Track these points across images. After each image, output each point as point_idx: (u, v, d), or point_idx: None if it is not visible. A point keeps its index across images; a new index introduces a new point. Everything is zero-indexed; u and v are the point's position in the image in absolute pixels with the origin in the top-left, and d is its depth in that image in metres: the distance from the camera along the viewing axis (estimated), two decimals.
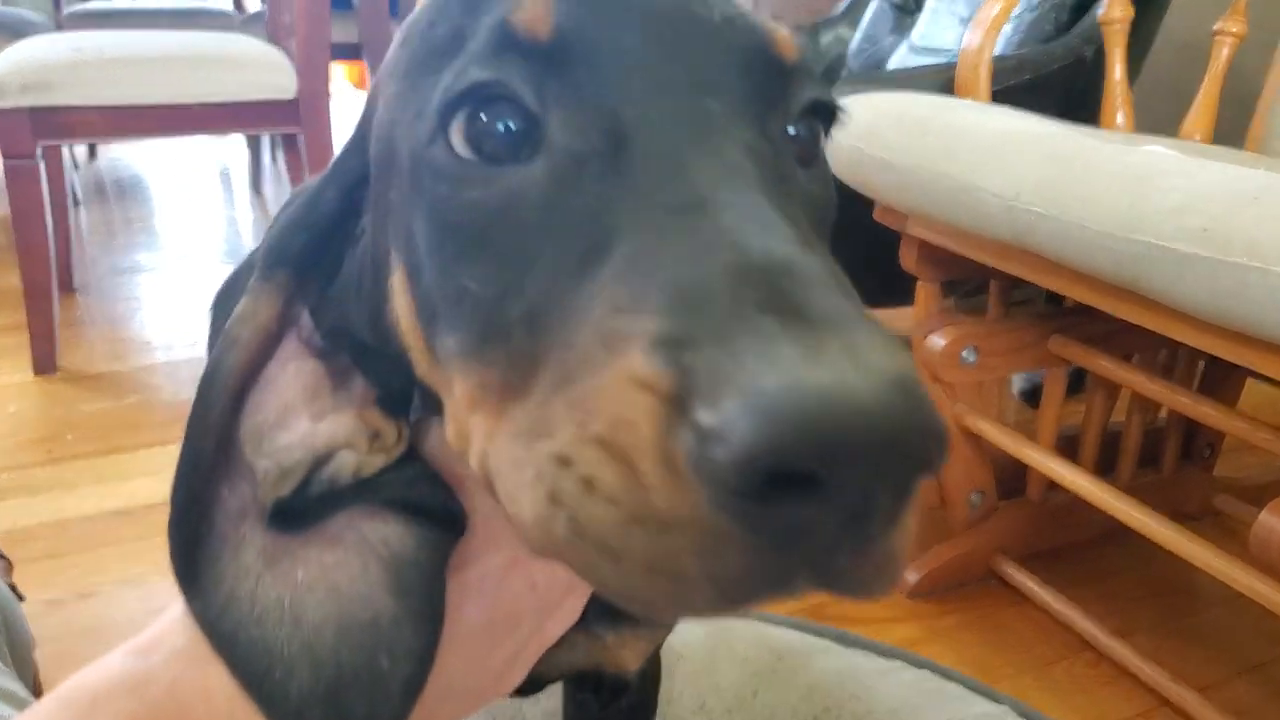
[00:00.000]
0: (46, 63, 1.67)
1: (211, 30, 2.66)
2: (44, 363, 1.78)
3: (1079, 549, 1.29)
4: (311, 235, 0.37)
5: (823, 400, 0.20)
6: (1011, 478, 1.28)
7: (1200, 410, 1.07)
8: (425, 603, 0.33)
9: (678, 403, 0.22)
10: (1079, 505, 1.12)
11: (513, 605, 0.36)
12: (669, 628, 0.58)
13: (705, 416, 0.21)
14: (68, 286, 2.19)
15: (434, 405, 0.37)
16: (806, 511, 0.22)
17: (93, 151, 3.50)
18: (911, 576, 1.22)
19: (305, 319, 0.37)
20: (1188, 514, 1.35)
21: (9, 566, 1.02)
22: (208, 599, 0.33)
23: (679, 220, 0.26)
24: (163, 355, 1.89)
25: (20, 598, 0.84)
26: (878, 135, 0.99)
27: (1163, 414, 1.35)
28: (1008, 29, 1.50)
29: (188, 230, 2.86)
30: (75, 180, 3.03)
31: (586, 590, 0.41)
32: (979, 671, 1.05)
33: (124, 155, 3.64)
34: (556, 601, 0.38)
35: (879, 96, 1.05)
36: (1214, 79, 1.27)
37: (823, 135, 0.35)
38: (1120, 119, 1.29)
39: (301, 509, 0.34)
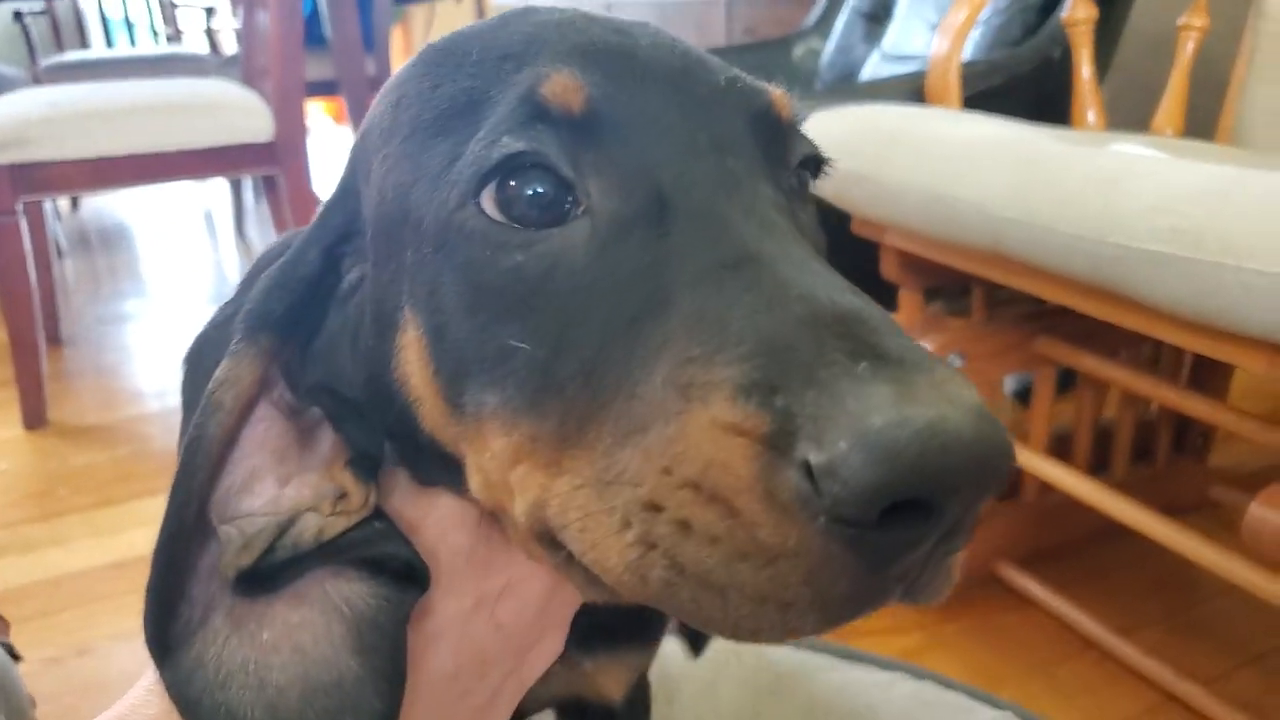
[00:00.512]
0: (23, 119, 1.67)
1: (187, 75, 2.67)
2: (34, 417, 1.77)
3: (1078, 547, 1.29)
4: (295, 297, 0.37)
5: (931, 434, 0.23)
6: (1009, 479, 1.27)
7: (1188, 403, 1.07)
8: (387, 661, 0.34)
9: (776, 443, 0.24)
10: (1075, 504, 1.12)
11: (478, 650, 0.37)
12: (649, 655, 0.57)
13: (815, 455, 0.23)
14: (55, 339, 2.19)
15: (413, 461, 0.38)
16: (914, 534, 0.24)
17: (75, 202, 3.50)
18: None
19: (279, 379, 0.37)
20: (1184, 506, 1.35)
21: (6, 626, 1.01)
22: (177, 665, 0.33)
23: (736, 275, 0.28)
24: (155, 404, 1.88)
25: (17, 658, 0.84)
26: (849, 148, 1.00)
27: (1154, 407, 1.35)
28: (976, 34, 1.51)
29: (174, 276, 2.86)
30: (58, 231, 3.03)
31: (564, 626, 0.41)
32: (985, 677, 1.04)
33: (107, 204, 3.64)
34: (527, 643, 0.38)
35: (850, 109, 1.06)
36: (1181, 73, 1.28)
37: (810, 182, 0.38)
38: (1091, 117, 1.30)
39: (267, 573, 0.34)
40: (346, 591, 0.35)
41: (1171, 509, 1.00)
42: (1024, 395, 1.72)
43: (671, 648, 0.99)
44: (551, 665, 0.49)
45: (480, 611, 0.37)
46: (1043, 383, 1.21)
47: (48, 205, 2.46)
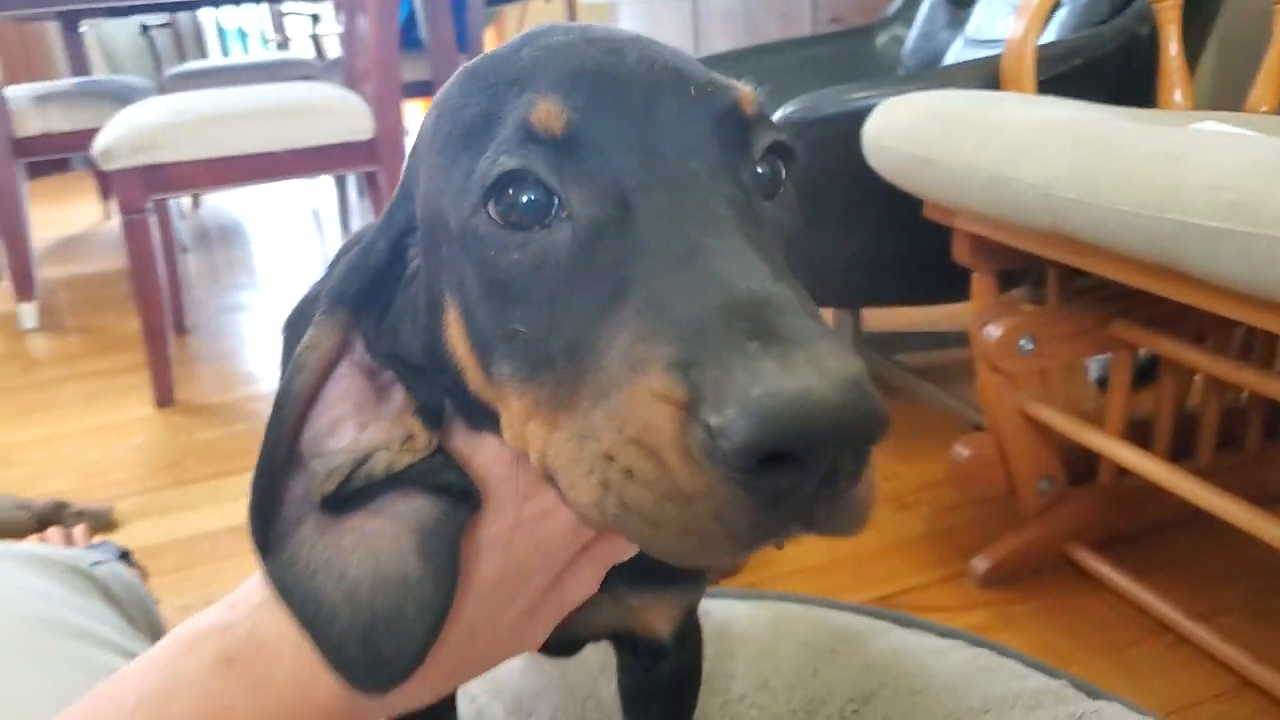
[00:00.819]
0: (151, 125, 1.82)
1: (296, 79, 2.83)
2: (164, 397, 1.93)
3: (1154, 533, 1.27)
4: (366, 279, 0.44)
5: (797, 401, 0.28)
6: (1085, 464, 1.27)
7: (1271, 387, 1.05)
8: (444, 563, 0.41)
9: (690, 409, 0.30)
10: (1155, 489, 1.11)
11: (520, 562, 0.43)
12: (692, 596, 0.63)
13: (712, 419, 0.29)
14: (180, 327, 2.36)
15: (466, 412, 0.45)
16: (790, 479, 0.29)
17: (196, 201, 3.73)
18: (981, 565, 1.23)
19: (359, 346, 0.45)
20: (1276, 495, 1.32)
21: (145, 575, 1.14)
22: (275, 561, 0.41)
23: (679, 267, 0.34)
24: (266, 386, 2.02)
25: (129, 559, 0.96)
26: (917, 134, 1.02)
27: (1245, 394, 1.32)
28: (1062, 13, 1.49)
29: (284, 268, 3.03)
30: (182, 229, 3.25)
31: (600, 557, 0.46)
32: (1051, 655, 1.05)
33: (224, 203, 3.87)
34: (562, 560, 0.44)
35: (917, 96, 1.08)
36: (1277, 49, 1.25)
37: (783, 169, 0.42)
38: (1178, 97, 1.28)
39: (346, 497, 0.42)
40: (413, 508, 0.42)
41: (1262, 497, 0.99)
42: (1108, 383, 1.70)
43: (733, 609, 1.04)
44: (601, 598, 0.55)
45: (521, 529, 0.43)
46: (1119, 367, 1.20)
47: (172, 204, 2.65)
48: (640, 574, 0.55)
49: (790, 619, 0.97)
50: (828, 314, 1.93)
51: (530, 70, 0.40)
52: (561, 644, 0.65)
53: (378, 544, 0.41)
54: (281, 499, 0.42)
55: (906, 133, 1.03)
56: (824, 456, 0.29)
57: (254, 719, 0.38)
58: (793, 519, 0.31)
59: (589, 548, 0.46)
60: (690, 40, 3.57)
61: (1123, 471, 1.25)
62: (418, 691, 0.43)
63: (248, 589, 0.42)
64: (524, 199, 0.37)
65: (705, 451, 0.29)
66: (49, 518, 1.47)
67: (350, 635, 0.39)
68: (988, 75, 1.21)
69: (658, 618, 0.60)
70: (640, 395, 0.31)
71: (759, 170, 0.40)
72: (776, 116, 1.34)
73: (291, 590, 0.40)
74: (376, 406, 0.44)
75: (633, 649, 0.66)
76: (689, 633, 0.67)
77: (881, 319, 2.00)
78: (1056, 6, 1.41)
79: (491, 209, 0.38)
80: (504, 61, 0.41)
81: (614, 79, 0.39)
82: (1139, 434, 1.24)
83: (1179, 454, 1.26)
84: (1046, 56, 1.21)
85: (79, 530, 1.37)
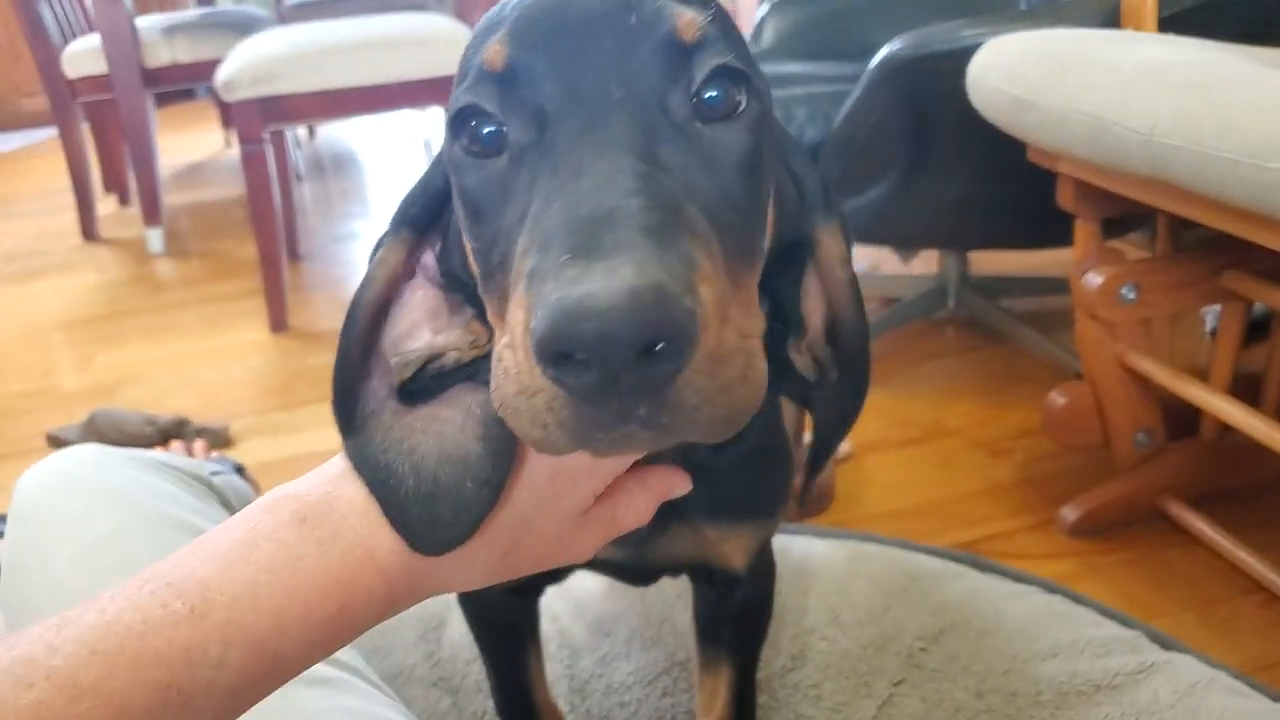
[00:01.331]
0: (270, 57, 1.89)
1: (408, 9, 2.87)
2: (278, 322, 2.04)
3: (1255, 492, 1.24)
4: (426, 203, 0.49)
5: (572, 306, 0.31)
6: (1186, 418, 1.24)
7: None
8: (503, 448, 0.45)
9: (528, 315, 0.34)
10: (1257, 446, 1.08)
11: (569, 464, 0.46)
12: (766, 529, 0.66)
13: (532, 322, 0.33)
14: (294, 254, 2.47)
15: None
16: (589, 376, 0.32)
17: (312, 131, 3.85)
18: (1070, 514, 1.22)
19: (430, 261, 0.50)
20: None
21: (256, 488, 1.23)
22: (355, 438, 0.46)
23: (562, 185, 0.37)
24: None
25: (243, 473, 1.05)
26: (1021, 76, 0.99)
27: None
28: None
29: (396, 198, 3.12)
30: (298, 158, 3.37)
31: (652, 485, 0.50)
32: (1136, 608, 1.05)
33: (339, 133, 3.98)
34: (608, 470, 0.47)
35: (1023, 35, 1.05)
36: None
37: (740, 90, 0.42)
38: None
39: (420, 389, 0.47)
40: (479, 399, 0.46)
41: None
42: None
43: (811, 546, 1.06)
44: (679, 529, 0.58)
45: None
46: (1230, 319, 1.16)
47: (288, 134, 2.74)
48: (717, 507, 0.59)
49: (866, 558, 0.99)
50: (931, 256, 1.90)
51: (503, 14, 0.43)
52: (641, 572, 0.69)
53: (445, 428, 0.46)
54: (363, 392, 0.48)
55: (1010, 73, 1.00)
56: (608, 356, 0.31)
57: (320, 570, 0.42)
58: (619, 417, 0.33)
59: (641, 474, 0.49)
60: None
61: (1226, 427, 1.21)
62: (469, 568, 0.46)
63: (328, 465, 0.47)
64: (482, 130, 0.42)
65: (531, 351, 0.33)
66: (171, 433, 1.59)
67: (413, 500, 0.44)
68: (1108, 11, 1.15)
69: (733, 549, 0.63)
70: (513, 304, 0.36)
71: (708, 93, 0.42)
72: (879, 57, 1.31)
73: (365, 462, 0.45)
74: (450, 316, 0.49)
75: (708, 579, 0.70)
76: (762, 566, 0.70)
77: (990, 262, 1.95)
78: None
79: (463, 140, 0.42)
80: (498, 7, 0.45)
81: (562, 15, 0.42)
82: (1247, 390, 1.20)
83: None
84: None
85: (199, 445, 1.48)
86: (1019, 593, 0.94)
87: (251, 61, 1.89)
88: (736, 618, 0.73)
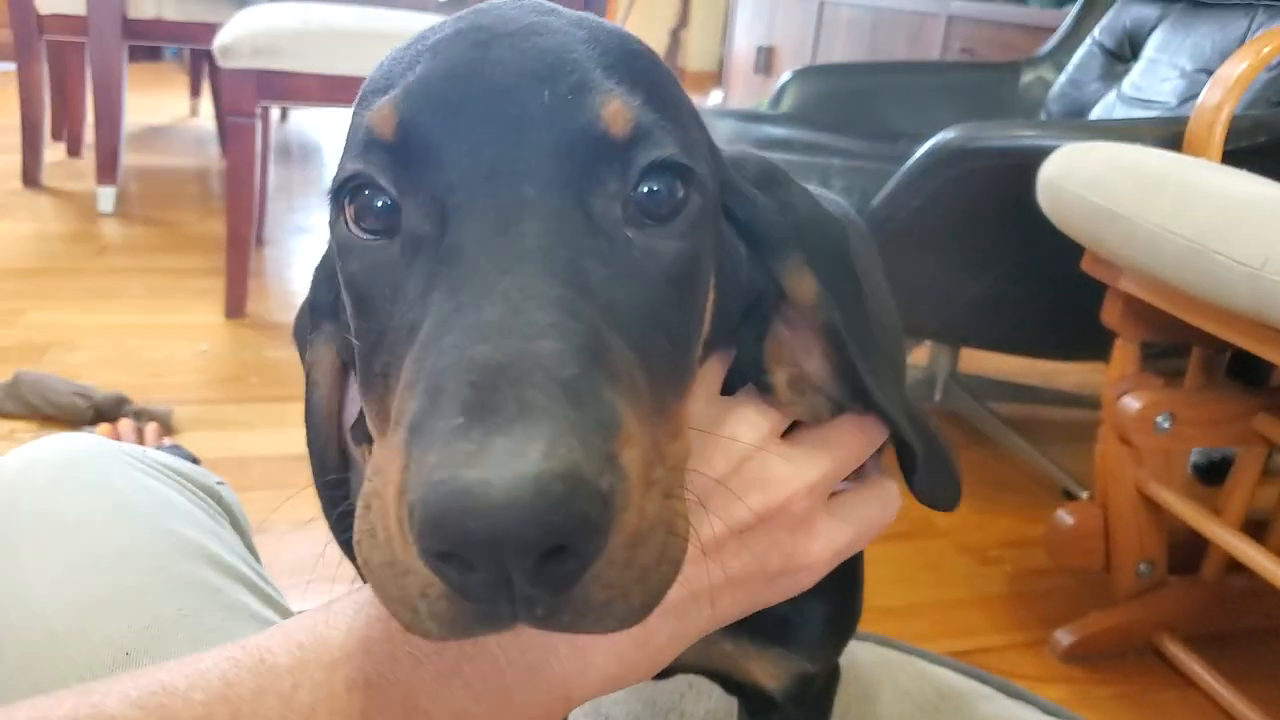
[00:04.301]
0: (276, 30, 1.78)
1: (410, 10, 2.78)
2: (235, 307, 1.90)
3: (1255, 638, 1.22)
4: (333, 286, 0.42)
5: (460, 496, 0.25)
6: (1185, 553, 1.22)
7: None
8: None
9: (402, 479, 0.27)
10: (1260, 592, 1.06)
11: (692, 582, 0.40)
12: (811, 659, 0.56)
13: (409, 496, 0.26)
14: (259, 239, 2.33)
15: None
16: (471, 579, 0.26)
17: (284, 115, 3.70)
18: (1064, 638, 1.18)
19: None
20: None
21: None
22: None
23: (460, 308, 0.30)
24: None
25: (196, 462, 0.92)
26: (1105, 185, 0.96)
27: None
28: None
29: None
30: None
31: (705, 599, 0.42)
32: None
33: (308, 121, 3.84)
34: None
35: (1108, 146, 1.02)
36: None
37: (681, 188, 0.36)
38: None
39: None
40: None
41: None
42: (1205, 471, 1.63)
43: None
44: None
45: None
46: (1249, 461, 1.15)
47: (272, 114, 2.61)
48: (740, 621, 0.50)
49: (892, 666, 0.93)
50: (922, 350, 1.88)
51: (402, 68, 0.36)
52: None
53: None
54: (349, 489, 0.43)
55: (1094, 182, 0.98)
56: (500, 562, 0.26)
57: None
58: (507, 616, 0.28)
59: None
60: (809, 44, 3.51)
61: (1228, 569, 1.20)
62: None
63: (348, 598, 0.40)
64: (371, 205, 0.35)
65: (406, 527, 0.27)
66: (108, 411, 1.45)
67: None
68: (1171, 136, 1.15)
69: (757, 670, 0.55)
70: (389, 449, 0.29)
71: (642, 193, 0.35)
72: (932, 143, 1.28)
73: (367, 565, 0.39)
74: None
75: (739, 690, 0.61)
76: (810, 696, 0.60)
77: (978, 363, 1.94)
78: None
79: (348, 213, 0.36)
80: (399, 51, 0.38)
81: (467, 81, 0.35)
82: (1247, 532, 1.18)
83: None
84: (1234, 129, 1.15)
85: (151, 429, 1.34)
86: None
87: (255, 31, 1.78)
88: None
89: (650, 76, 0.37)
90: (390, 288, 0.34)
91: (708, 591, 0.40)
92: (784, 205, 0.43)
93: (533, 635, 0.37)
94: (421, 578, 0.28)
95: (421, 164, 0.34)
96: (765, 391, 0.44)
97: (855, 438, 0.45)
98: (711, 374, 0.44)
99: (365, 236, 0.36)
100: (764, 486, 0.41)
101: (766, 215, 0.42)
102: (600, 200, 0.34)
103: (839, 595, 0.55)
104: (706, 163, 0.39)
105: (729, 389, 0.45)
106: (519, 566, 0.26)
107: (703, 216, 0.37)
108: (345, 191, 0.36)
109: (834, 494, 0.45)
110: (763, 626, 0.51)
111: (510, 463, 0.25)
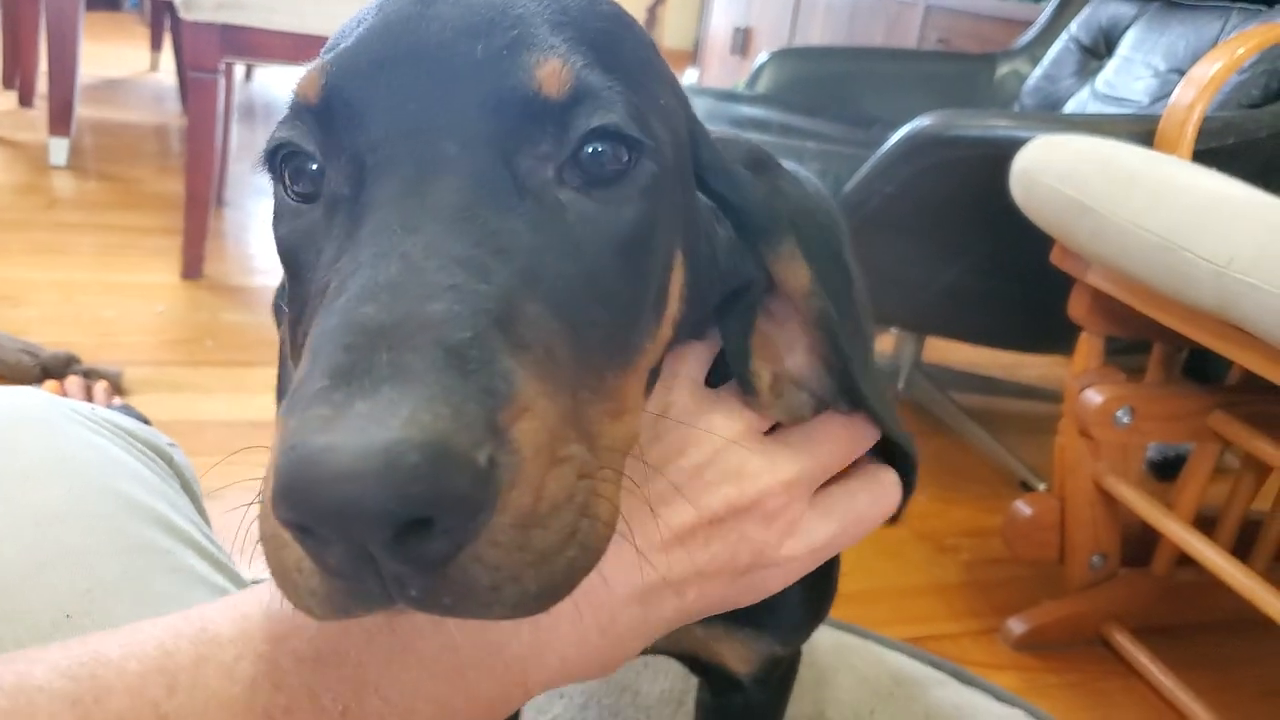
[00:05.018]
0: None
1: None
2: (192, 268, 1.85)
3: (1200, 632, 1.24)
4: None
5: (305, 467, 0.23)
6: (1137, 546, 1.24)
7: None
8: None
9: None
10: (1207, 586, 1.08)
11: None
12: (779, 642, 0.56)
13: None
14: (219, 199, 2.28)
15: None
16: (328, 553, 0.25)
17: (249, 73, 3.62)
18: (1016, 627, 1.19)
19: None
20: None
21: None
22: None
23: (358, 270, 0.29)
24: None
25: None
26: (1079, 179, 0.97)
27: None
28: None
29: None
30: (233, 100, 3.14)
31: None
32: None
33: (274, 80, 3.75)
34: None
35: (1081, 140, 1.02)
36: None
37: (627, 154, 0.34)
38: None
39: None
40: None
41: None
42: (1159, 467, 1.66)
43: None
44: None
45: None
46: (1202, 458, 1.16)
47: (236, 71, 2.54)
48: None
49: (849, 651, 0.93)
50: (888, 339, 1.88)
51: (358, 21, 0.36)
52: None
53: None
54: None
55: (1068, 174, 0.98)
56: (349, 535, 0.24)
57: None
58: (379, 595, 0.26)
59: None
60: (786, 26, 3.49)
61: (1178, 563, 1.22)
62: None
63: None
64: (301, 170, 0.35)
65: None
66: (55, 370, 1.40)
67: None
68: (1144, 134, 1.15)
69: (728, 652, 0.54)
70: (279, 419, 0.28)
71: (590, 153, 0.33)
72: (907, 130, 1.28)
73: None
74: None
75: (703, 671, 0.60)
76: (774, 678, 0.60)
77: (941, 353, 1.95)
78: None
79: (285, 179, 0.36)
80: (362, 8, 0.37)
81: (398, 41, 0.34)
82: (1198, 528, 1.20)
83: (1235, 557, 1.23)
84: (1205, 130, 1.16)
85: (100, 388, 1.31)
86: (1005, 715, 0.90)
87: None
88: None
89: (611, 37, 0.35)
90: (313, 252, 0.34)
91: (676, 582, 0.39)
92: (775, 190, 0.41)
93: None
94: (295, 552, 0.26)
95: (344, 125, 0.33)
96: (748, 390, 0.43)
97: (841, 437, 0.44)
98: (695, 362, 0.43)
99: (294, 202, 0.35)
100: (739, 479, 0.41)
101: (757, 198, 0.41)
102: (529, 161, 0.33)
103: (814, 577, 0.55)
104: (668, 131, 0.37)
105: (715, 383, 0.44)
106: (374, 541, 0.24)
107: (655, 186, 0.35)
108: (279, 159, 0.36)
109: (821, 488, 0.44)
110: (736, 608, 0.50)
111: (366, 429, 0.24)
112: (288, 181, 0.35)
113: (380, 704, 0.34)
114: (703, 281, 0.41)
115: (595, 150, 0.34)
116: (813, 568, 0.44)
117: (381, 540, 0.24)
